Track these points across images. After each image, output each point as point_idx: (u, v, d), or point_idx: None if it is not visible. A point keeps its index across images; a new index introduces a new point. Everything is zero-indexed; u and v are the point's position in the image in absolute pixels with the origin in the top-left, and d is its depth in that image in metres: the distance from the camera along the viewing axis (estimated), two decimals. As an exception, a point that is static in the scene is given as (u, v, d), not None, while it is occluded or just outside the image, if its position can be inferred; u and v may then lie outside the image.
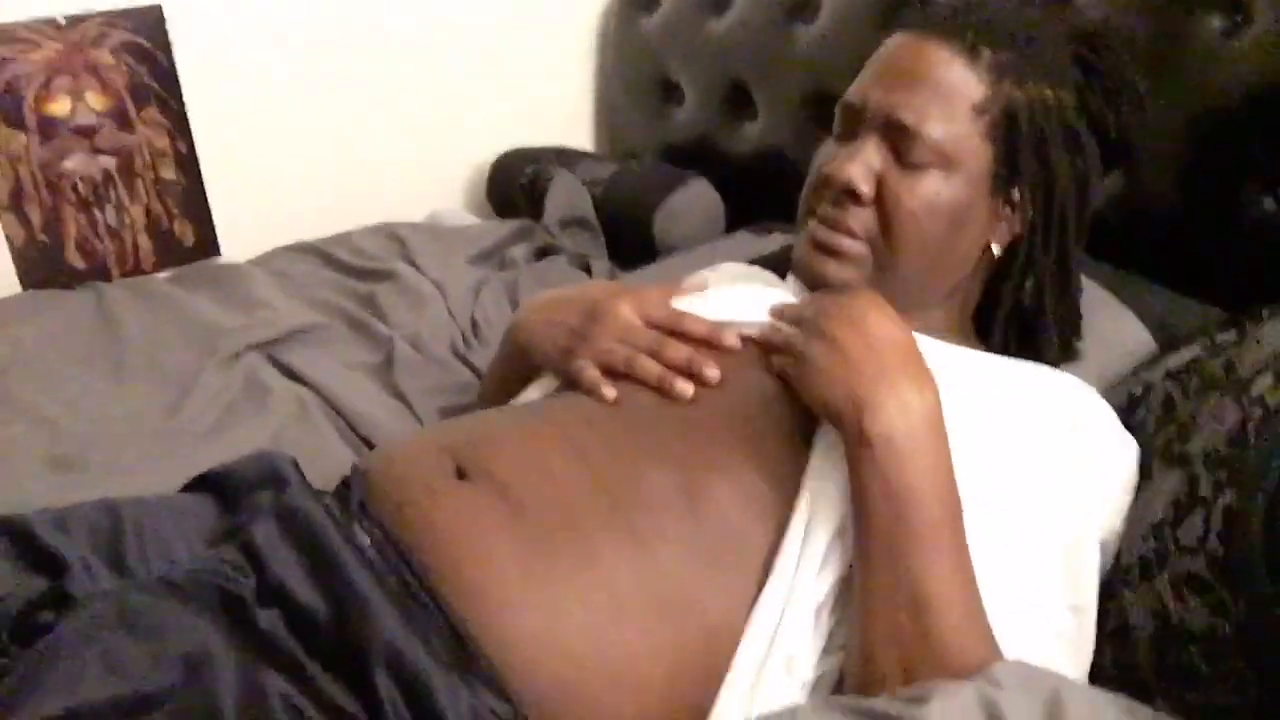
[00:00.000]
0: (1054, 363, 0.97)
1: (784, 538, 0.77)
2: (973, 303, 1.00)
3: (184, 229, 1.89)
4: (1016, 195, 0.93)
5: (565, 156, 2.02)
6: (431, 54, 2.06)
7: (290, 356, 1.41)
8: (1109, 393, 0.96)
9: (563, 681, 0.72)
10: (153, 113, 1.82)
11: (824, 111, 1.60)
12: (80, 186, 1.79)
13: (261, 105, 1.91)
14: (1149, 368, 0.99)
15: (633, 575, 0.75)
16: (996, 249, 0.95)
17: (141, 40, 1.78)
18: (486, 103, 2.14)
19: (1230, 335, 0.91)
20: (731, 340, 0.89)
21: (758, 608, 0.75)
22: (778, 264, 1.17)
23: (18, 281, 1.75)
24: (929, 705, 0.63)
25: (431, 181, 2.14)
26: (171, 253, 1.88)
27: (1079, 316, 1.00)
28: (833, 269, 0.93)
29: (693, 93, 1.93)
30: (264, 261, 1.79)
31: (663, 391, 0.87)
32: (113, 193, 1.81)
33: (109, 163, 1.80)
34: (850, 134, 0.93)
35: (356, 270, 1.72)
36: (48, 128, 1.73)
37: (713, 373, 0.86)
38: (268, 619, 0.71)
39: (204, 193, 1.89)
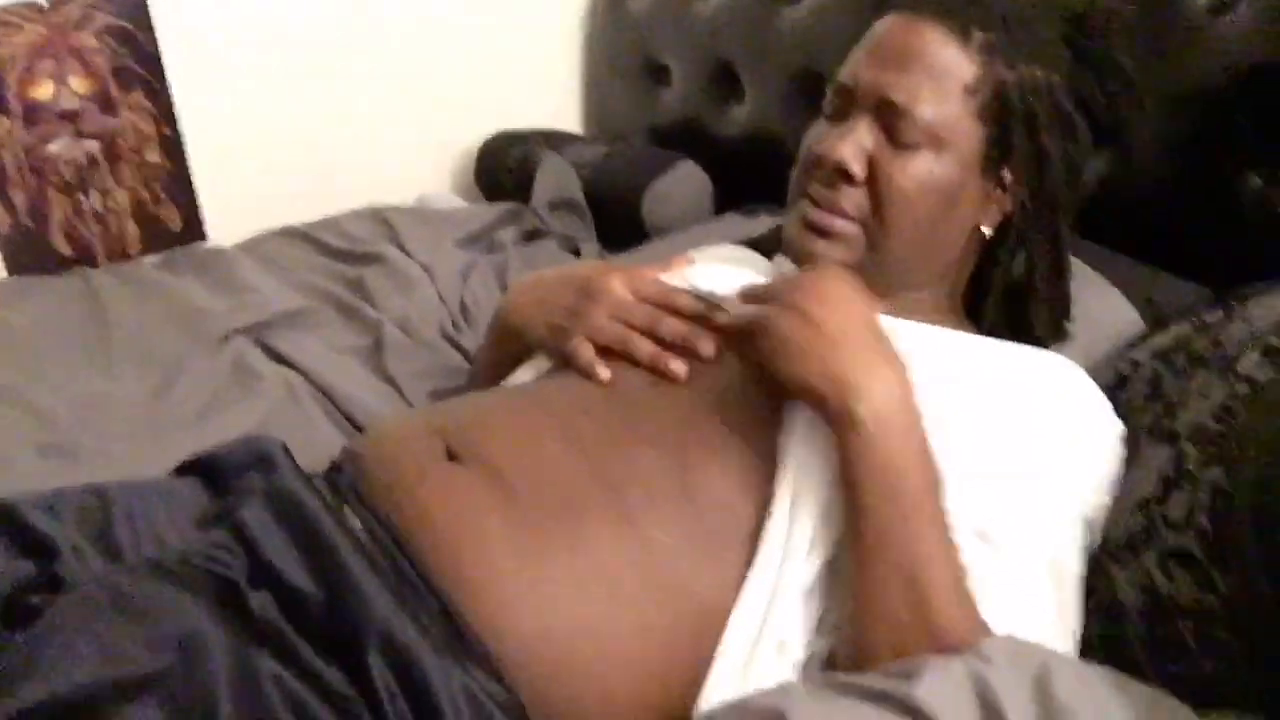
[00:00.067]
0: (1044, 343, 0.97)
1: (770, 521, 0.77)
2: (963, 283, 1.00)
3: (170, 213, 1.88)
4: (1007, 176, 0.93)
5: (553, 139, 2.01)
6: (418, 37, 2.05)
7: (278, 341, 1.41)
8: (1097, 371, 0.96)
9: (555, 662, 0.72)
10: (137, 96, 1.80)
11: (812, 92, 1.62)
12: (65, 171, 1.77)
13: (247, 89, 1.90)
14: (1137, 346, 0.99)
15: (625, 556, 0.75)
16: (987, 230, 0.95)
17: (125, 23, 1.77)
18: (474, 86, 2.13)
19: (1217, 314, 0.92)
20: (724, 317, 0.89)
21: (746, 590, 0.76)
22: (766, 245, 1.17)
23: (3, 267, 1.74)
24: (919, 681, 0.63)
25: (419, 165, 2.13)
26: (157, 237, 1.87)
27: (1069, 297, 1.01)
28: (824, 248, 0.93)
29: (680, 75, 1.93)
30: (251, 246, 1.78)
31: (656, 371, 0.87)
32: (98, 177, 1.80)
33: (93, 147, 1.79)
34: (842, 114, 0.94)
35: (344, 254, 1.71)
36: (31, 112, 1.72)
37: (708, 348, 0.86)
38: (259, 601, 0.71)
39: (189, 177, 1.88)
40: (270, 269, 1.65)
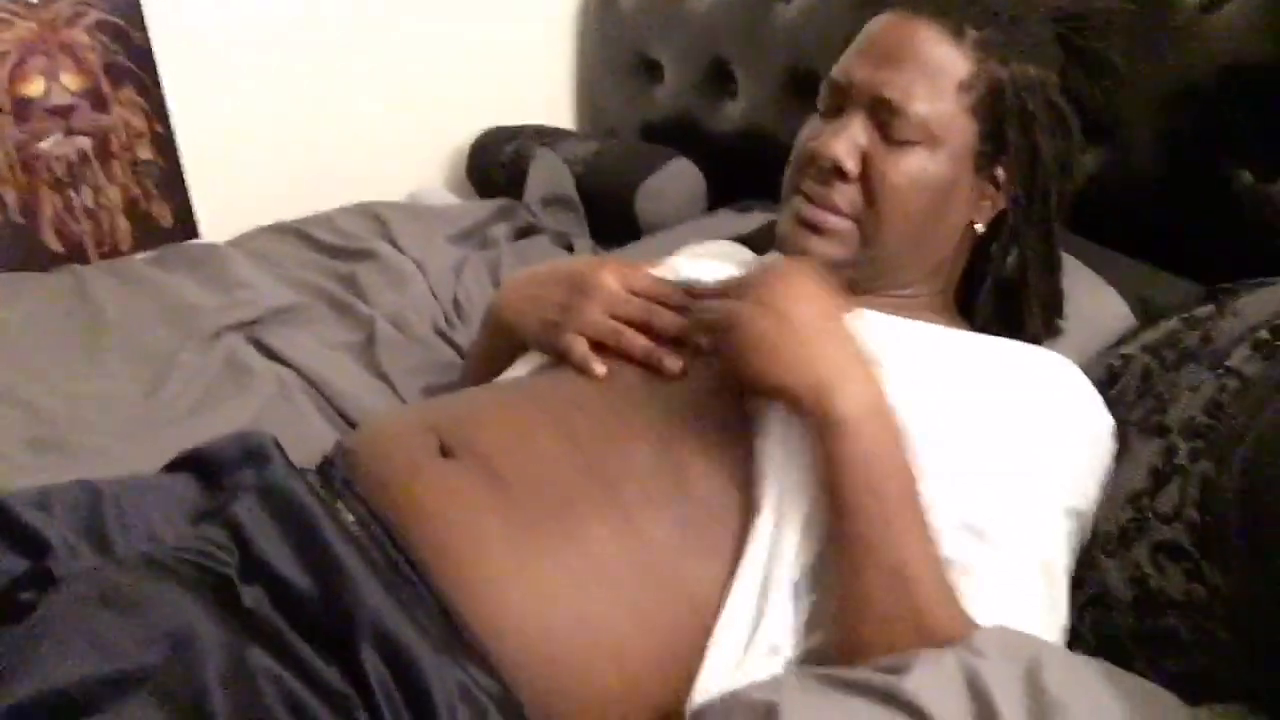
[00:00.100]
0: (1036, 339, 0.98)
1: (757, 518, 0.77)
2: (956, 280, 1.01)
3: (161, 210, 1.88)
4: (1000, 173, 0.93)
5: (546, 135, 2.01)
6: (411, 33, 2.04)
7: (271, 337, 1.41)
8: (1089, 366, 0.97)
9: (550, 656, 0.72)
10: (129, 93, 1.80)
11: (805, 88, 1.62)
12: (56, 167, 1.77)
13: (239, 85, 1.90)
14: (1128, 341, 0.99)
15: (619, 550, 0.75)
16: (980, 226, 0.96)
17: (117, 19, 1.76)
18: (467, 82, 2.13)
19: (1208, 309, 0.92)
20: (694, 313, 0.88)
21: (734, 591, 0.76)
22: (759, 242, 1.17)
23: (-6, 264, 1.73)
24: (909, 674, 0.64)
25: (412, 161, 2.13)
26: (149, 234, 1.87)
27: (1062, 294, 1.01)
28: (817, 245, 0.93)
29: (673, 71, 1.93)
30: (243, 242, 1.78)
31: (650, 367, 0.87)
32: (89, 174, 1.80)
33: (85, 143, 1.79)
34: (836, 111, 0.94)
35: (337, 250, 1.71)
36: (22, 108, 1.72)
37: (705, 341, 0.86)
38: (252, 596, 0.71)
39: (181, 173, 1.88)
40: (262, 265, 1.65)
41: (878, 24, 0.94)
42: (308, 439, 1.14)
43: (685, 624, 0.76)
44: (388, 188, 2.02)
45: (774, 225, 1.01)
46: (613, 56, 2.07)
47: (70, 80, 1.75)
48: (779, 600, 0.76)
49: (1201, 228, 1.16)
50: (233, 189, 1.92)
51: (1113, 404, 0.90)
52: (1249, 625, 0.68)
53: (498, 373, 1.01)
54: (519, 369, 0.99)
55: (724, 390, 0.84)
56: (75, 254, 1.80)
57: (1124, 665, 0.73)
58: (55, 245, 1.79)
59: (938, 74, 0.89)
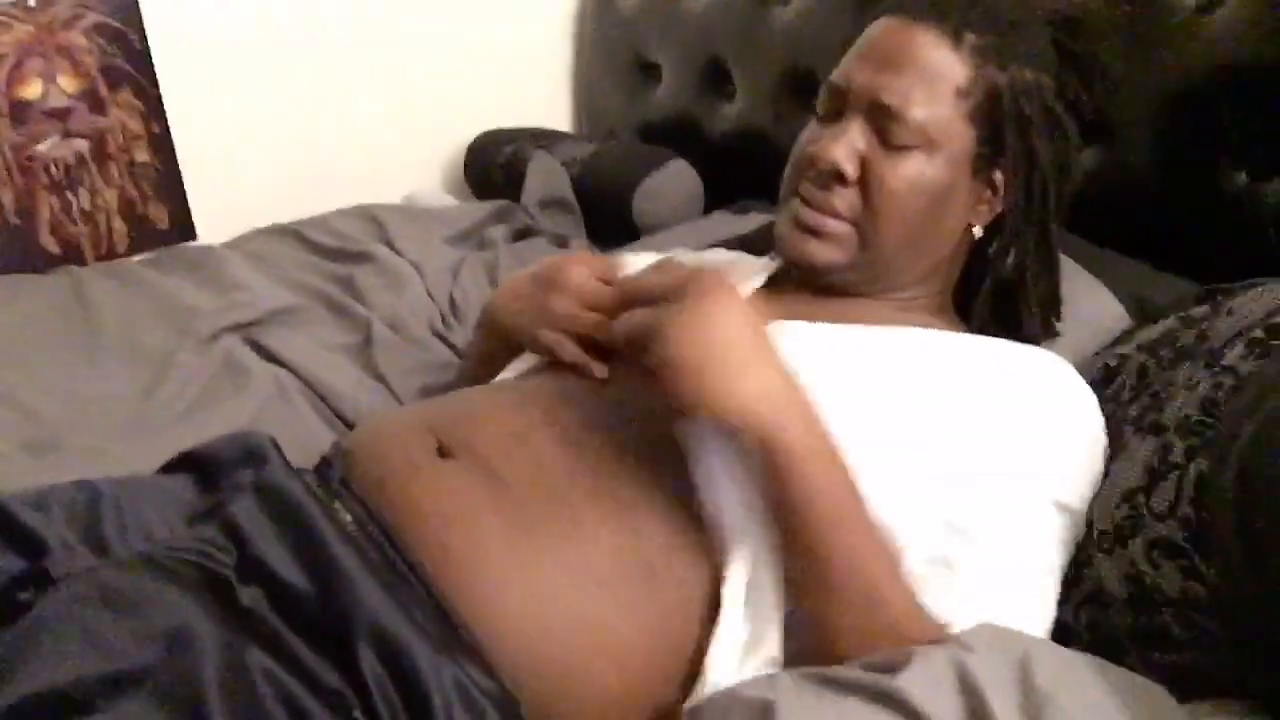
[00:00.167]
0: (1034, 340, 0.98)
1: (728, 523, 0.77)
2: (953, 282, 1.01)
3: (159, 212, 1.88)
4: (998, 177, 0.94)
5: (543, 137, 2.02)
6: (408, 34, 2.05)
7: (268, 338, 1.41)
8: (1085, 366, 0.97)
9: (549, 656, 0.72)
10: (126, 95, 1.80)
11: (802, 90, 1.62)
12: (53, 170, 1.77)
13: (236, 87, 1.90)
14: (1124, 341, 1.00)
15: (618, 550, 0.76)
16: (978, 230, 0.96)
17: (114, 22, 1.76)
18: (464, 83, 2.13)
19: (1204, 309, 0.92)
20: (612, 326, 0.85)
21: (727, 588, 0.75)
22: (757, 243, 1.17)
23: (-10, 266, 1.73)
24: (903, 674, 0.64)
25: (409, 163, 2.13)
26: (146, 236, 1.87)
27: (1059, 295, 1.01)
28: (815, 248, 0.93)
29: (670, 72, 1.93)
30: (240, 244, 1.78)
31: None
32: (86, 176, 1.80)
33: (82, 146, 1.79)
34: (835, 115, 0.94)
35: (334, 252, 1.71)
36: (20, 111, 1.72)
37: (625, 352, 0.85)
38: (250, 596, 0.71)
39: (179, 176, 1.88)
40: (259, 267, 1.65)
41: (877, 29, 0.94)
42: (305, 440, 1.14)
43: (685, 624, 0.76)
44: (385, 190, 2.02)
45: (772, 226, 1.01)
46: (610, 58, 2.08)
47: (68, 83, 1.75)
48: (766, 598, 0.75)
49: (1197, 228, 1.17)
50: (230, 191, 1.92)
51: (1108, 402, 0.90)
52: (1244, 622, 0.68)
53: (494, 374, 1.01)
54: (516, 368, 0.99)
55: None
56: (72, 256, 1.80)
57: (1118, 662, 0.73)
58: (52, 247, 1.79)
59: (936, 79, 0.89)
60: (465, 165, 2.11)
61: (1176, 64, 1.15)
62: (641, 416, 0.83)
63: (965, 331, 0.98)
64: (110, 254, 1.84)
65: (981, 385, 0.85)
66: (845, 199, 0.92)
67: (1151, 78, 1.17)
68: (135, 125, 1.82)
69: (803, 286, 0.97)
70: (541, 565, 0.74)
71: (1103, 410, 0.88)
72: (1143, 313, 1.07)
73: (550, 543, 0.75)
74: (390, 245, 1.70)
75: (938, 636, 0.72)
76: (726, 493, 0.76)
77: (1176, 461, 0.75)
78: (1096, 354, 1.02)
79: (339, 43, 1.98)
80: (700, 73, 1.86)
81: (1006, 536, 0.79)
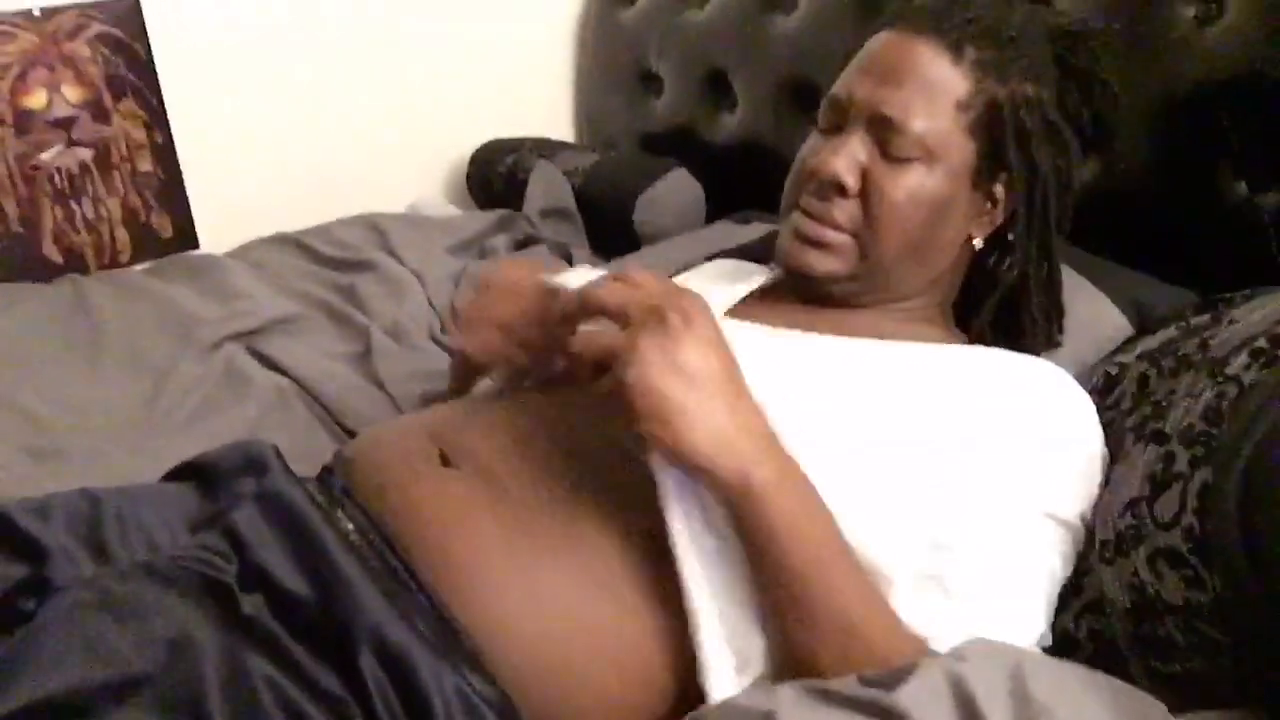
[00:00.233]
0: (1036, 351, 0.98)
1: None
2: (954, 293, 1.01)
3: (162, 221, 1.88)
4: (998, 189, 0.94)
5: (545, 146, 2.02)
6: (410, 44, 2.05)
7: (269, 347, 1.41)
8: (1085, 375, 0.97)
9: (548, 660, 0.72)
10: (130, 105, 1.81)
11: (803, 100, 1.63)
12: (57, 179, 1.77)
13: (239, 97, 1.90)
14: (1125, 350, 1.00)
15: (616, 555, 0.76)
16: (978, 241, 0.97)
17: (118, 32, 1.77)
18: (466, 93, 2.14)
19: (1205, 318, 0.92)
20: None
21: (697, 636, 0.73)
22: (758, 253, 1.17)
23: (-6, 275, 1.73)
24: (900, 689, 0.64)
25: (411, 172, 2.14)
26: (149, 245, 1.87)
27: (1062, 306, 1.02)
28: (816, 259, 0.94)
29: (672, 83, 1.94)
30: (243, 253, 1.78)
31: None
32: (89, 185, 1.80)
33: (86, 155, 1.79)
34: (835, 128, 0.95)
35: (336, 261, 1.71)
36: (24, 120, 1.72)
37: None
38: (251, 604, 0.72)
39: (182, 185, 1.88)
40: (261, 276, 1.65)
41: (878, 42, 0.95)
42: (307, 448, 1.15)
43: (685, 629, 0.75)
44: (387, 199, 2.02)
45: (773, 235, 1.01)
46: (612, 68, 2.08)
47: (71, 92, 1.75)
48: (744, 622, 0.74)
49: (1197, 238, 1.17)
50: (232, 200, 1.93)
51: (1109, 410, 0.90)
52: (1247, 631, 0.68)
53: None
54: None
55: None
56: (75, 265, 1.81)
57: (1120, 670, 0.73)
58: (55, 256, 1.80)
59: (936, 92, 0.90)
60: (467, 174, 2.12)
61: (1176, 75, 1.16)
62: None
63: (965, 342, 0.98)
64: (113, 263, 1.84)
65: (975, 397, 0.85)
66: (846, 210, 0.92)
67: (1151, 89, 1.17)
68: (138, 135, 1.83)
69: (803, 297, 0.98)
70: (542, 571, 0.74)
71: (1103, 418, 0.88)
72: (1143, 322, 1.07)
73: (550, 549, 0.75)
74: (392, 254, 1.70)
75: (916, 652, 0.71)
76: (691, 518, 0.74)
77: (1180, 471, 0.75)
78: (1097, 362, 1.02)
79: (341, 53, 1.98)
80: (701, 83, 1.86)
81: (996, 551, 0.78)
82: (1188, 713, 0.69)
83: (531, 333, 0.90)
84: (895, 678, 0.65)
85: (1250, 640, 0.68)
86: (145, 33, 1.79)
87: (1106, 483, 0.84)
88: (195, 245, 1.91)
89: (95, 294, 1.58)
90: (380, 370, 1.36)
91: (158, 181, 1.86)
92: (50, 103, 1.74)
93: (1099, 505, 0.83)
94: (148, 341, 1.44)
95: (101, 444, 1.19)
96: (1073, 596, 0.81)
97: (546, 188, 1.87)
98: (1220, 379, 0.78)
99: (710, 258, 1.31)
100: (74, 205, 1.80)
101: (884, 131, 0.90)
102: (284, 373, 1.36)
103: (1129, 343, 1.02)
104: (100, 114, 1.78)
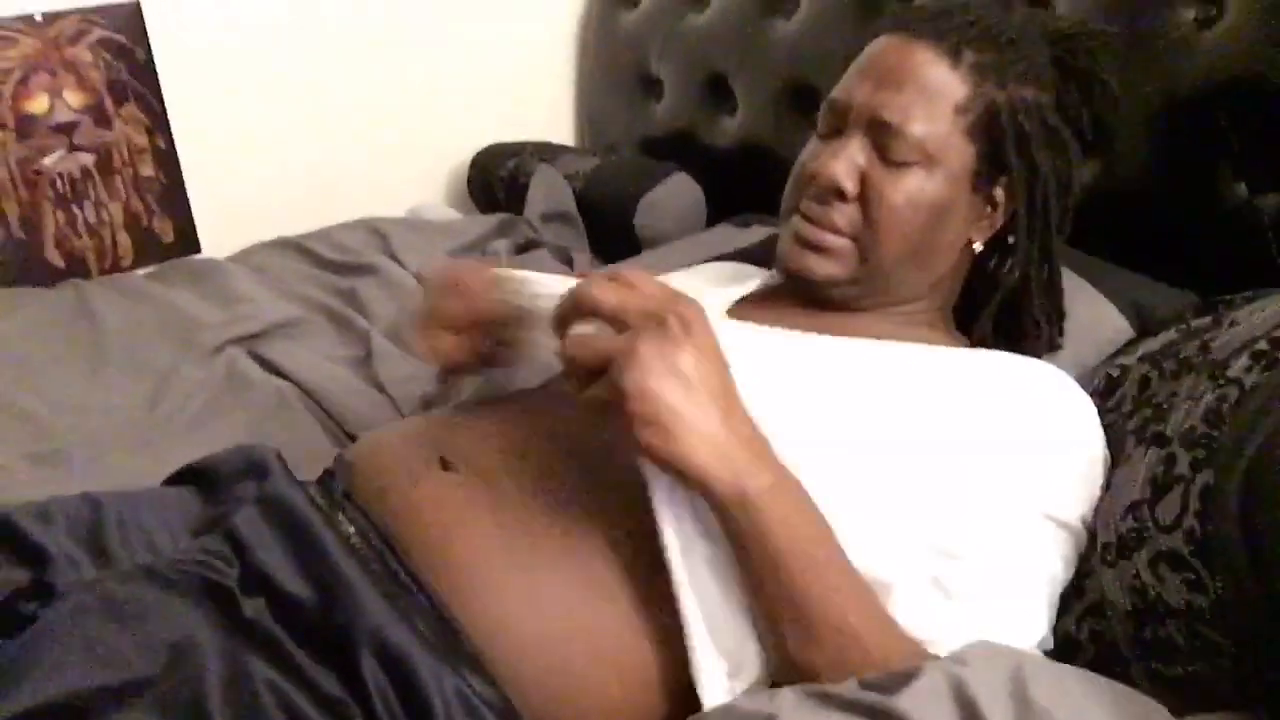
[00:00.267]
0: (1037, 354, 0.98)
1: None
2: (954, 297, 1.01)
3: (163, 225, 1.89)
4: (998, 192, 0.94)
5: (546, 150, 2.02)
6: (411, 48, 2.06)
7: (271, 351, 1.41)
8: (1086, 378, 0.97)
9: (549, 663, 0.72)
10: (131, 109, 1.81)
11: (803, 103, 1.63)
12: (59, 184, 1.78)
13: (241, 101, 1.91)
14: (1126, 352, 1.00)
15: (616, 559, 0.76)
16: (978, 245, 0.97)
17: (119, 37, 1.77)
18: (467, 97, 2.14)
19: (1206, 320, 0.92)
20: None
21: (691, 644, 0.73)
22: (759, 256, 1.17)
23: (-4, 279, 1.74)
24: (902, 694, 0.64)
25: (412, 176, 2.14)
26: (151, 249, 1.87)
27: (1063, 309, 1.02)
28: (815, 263, 0.94)
29: (672, 86, 1.94)
30: (244, 257, 1.78)
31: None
32: (91, 190, 1.81)
33: (87, 160, 1.79)
34: (835, 132, 0.95)
35: (337, 265, 1.72)
36: (25, 125, 1.73)
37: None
38: (253, 607, 0.72)
39: (183, 189, 1.89)
40: (263, 280, 1.65)
41: (877, 46, 0.95)
42: (307, 451, 1.14)
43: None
44: (389, 203, 2.03)
45: (774, 239, 1.01)
46: (613, 72, 2.09)
47: (73, 97, 1.76)
48: (737, 627, 0.74)
49: (1197, 240, 1.17)
50: (234, 204, 1.93)
51: (1110, 412, 0.90)
52: (1249, 634, 0.68)
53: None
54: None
55: None
56: (77, 269, 1.81)
57: (1122, 673, 0.73)
58: (57, 261, 1.80)
59: (935, 96, 0.90)
60: (468, 178, 2.12)
61: (1176, 77, 1.16)
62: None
63: (966, 345, 0.98)
64: (115, 267, 1.84)
65: (976, 399, 0.85)
66: (845, 214, 0.92)
67: (1151, 91, 1.17)
68: (140, 139, 1.83)
69: (803, 300, 0.98)
70: (541, 573, 0.74)
71: (1104, 421, 0.88)
72: (1144, 324, 1.07)
73: (550, 551, 0.75)
74: (393, 257, 1.70)
75: (913, 655, 0.71)
76: (683, 524, 0.74)
77: (1181, 474, 0.75)
78: (1098, 365, 1.02)
79: (342, 57, 1.99)
80: (702, 87, 1.86)
81: (997, 553, 0.78)
82: (1189, 716, 0.69)
83: (481, 330, 0.89)
84: (896, 681, 0.65)
85: (1252, 643, 0.68)
86: (146, 38, 1.79)
87: (1108, 485, 0.84)
88: (197, 249, 1.91)
89: (97, 298, 1.59)
90: (381, 374, 1.36)
91: (159, 186, 1.86)
92: (52, 108, 1.74)
93: (1100, 508, 0.83)
94: (149, 346, 1.44)
95: (103, 448, 1.19)
96: (1074, 599, 0.80)
97: (548, 191, 1.88)
98: (1221, 381, 0.78)
99: (710, 260, 1.31)
100: (76, 210, 1.80)
101: (883, 136, 0.90)
102: (285, 376, 1.36)
103: (1130, 345, 1.02)
104: (102, 119, 1.79)
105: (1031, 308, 0.99)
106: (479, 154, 2.11)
